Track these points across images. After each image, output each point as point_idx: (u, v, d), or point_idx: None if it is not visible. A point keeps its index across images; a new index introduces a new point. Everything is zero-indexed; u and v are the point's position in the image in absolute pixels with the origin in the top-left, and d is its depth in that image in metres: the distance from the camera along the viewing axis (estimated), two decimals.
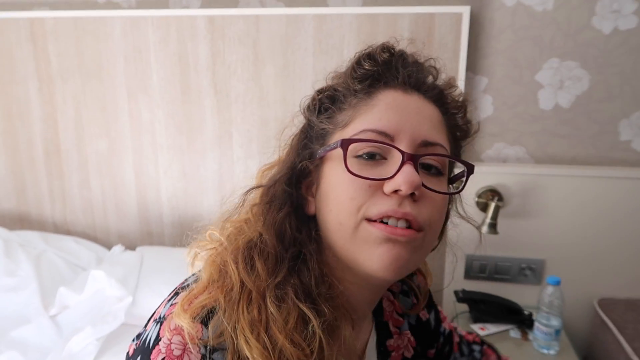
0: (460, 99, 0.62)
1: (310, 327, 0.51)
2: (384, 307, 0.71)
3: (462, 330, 0.90)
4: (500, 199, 1.50)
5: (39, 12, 1.64)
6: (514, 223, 1.53)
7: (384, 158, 0.54)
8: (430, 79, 0.61)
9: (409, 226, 0.52)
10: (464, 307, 1.53)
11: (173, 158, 1.69)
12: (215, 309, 0.51)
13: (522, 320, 1.46)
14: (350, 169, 0.53)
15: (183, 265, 0.62)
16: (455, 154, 0.62)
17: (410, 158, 0.52)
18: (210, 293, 0.53)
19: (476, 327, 1.47)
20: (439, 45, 1.46)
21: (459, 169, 0.62)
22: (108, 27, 1.61)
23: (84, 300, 1.39)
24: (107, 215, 1.79)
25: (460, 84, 1.46)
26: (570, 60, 1.45)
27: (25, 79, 1.70)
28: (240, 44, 1.54)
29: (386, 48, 0.60)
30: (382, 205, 0.52)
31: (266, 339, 0.50)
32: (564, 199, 1.50)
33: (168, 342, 0.49)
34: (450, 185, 0.61)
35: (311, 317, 0.51)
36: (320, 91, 0.62)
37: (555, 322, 1.34)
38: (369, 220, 0.52)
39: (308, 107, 0.63)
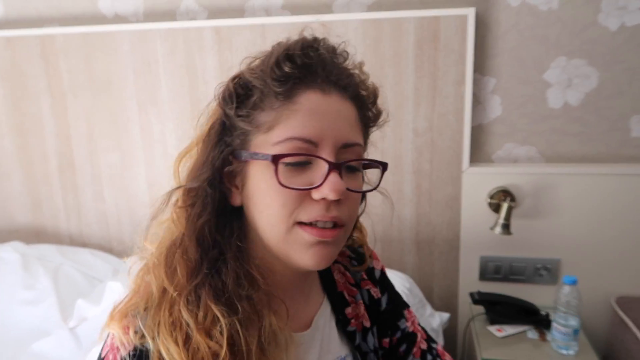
0: (372, 89, 0.65)
1: (218, 326, 0.55)
2: (336, 279, 0.75)
3: (443, 353, 0.83)
4: (513, 199, 1.50)
5: (49, 29, 1.67)
6: (528, 223, 1.52)
7: (309, 162, 0.58)
8: (345, 72, 0.62)
9: (334, 225, 0.58)
10: (480, 309, 1.53)
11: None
12: (138, 313, 0.56)
13: (540, 320, 1.45)
14: (280, 177, 0.56)
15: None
16: (365, 141, 0.66)
17: (335, 167, 0.57)
18: (133, 300, 0.58)
19: (493, 329, 1.46)
20: (445, 48, 1.46)
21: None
22: (117, 42, 1.64)
23: (101, 312, 1.41)
24: (121, 226, 1.81)
25: (468, 85, 1.47)
26: (578, 58, 1.45)
27: (38, 95, 1.73)
28: (247, 53, 1.55)
29: (304, 47, 0.60)
30: (311, 212, 0.57)
31: (183, 339, 0.54)
32: (576, 197, 1.49)
33: (108, 349, 0.57)
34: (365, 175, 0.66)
35: (220, 316, 0.55)
36: (234, 78, 0.62)
37: (573, 322, 1.33)
38: (300, 223, 0.58)
39: (223, 97, 0.62)
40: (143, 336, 0.54)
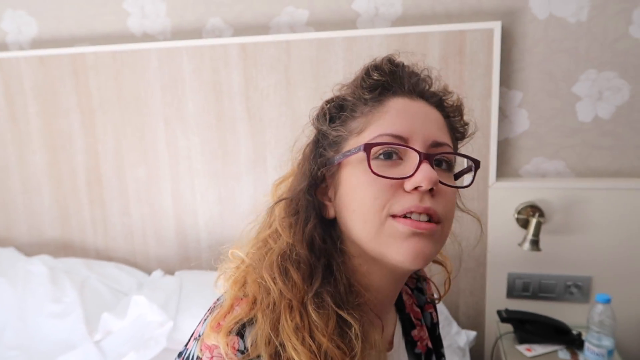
0: (457, 104, 0.67)
1: (352, 331, 0.55)
2: (404, 300, 0.76)
3: None
4: (542, 214, 1.46)
5: (80, 48, 1.72)
6: (557, 239, 1.48)
7: (400, 158, 0.59)
8: (430, 87, 0.66)
9: (430, 219, 0.57)
10: (508, 327, 1.48)
11: (209, 183, 1.72)
12: (252, 321, 0.55)
13: (571, 340, 1.41)
14: (372, 167, 0.57)
15: (221, 288, 0.65)
16: (456, 150, 0.67)
17: (426, 157, 0.57)
18: (241, 308, 0.57)
19: (522, 348, 1.42)
20: (471, 61, 1.45)
21: (459, 166, 0.67)
22: (145, 59, 1.68)
23: (126, 325, 1.42)
24: (146, 241, 1.83)
25: (494, 99, 1.45)
26: (609, 70, 1.42)
27: (68, 112, 1.78)
28: (272, 69, 1.57)
29: (391, 60, 0.65)
30: (404, 202, 0.56)
31: (312, 343, 0.53)
32: (608, 212, 1.45)
33: (210, 357, 0.54)
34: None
35: (352, 321, 0.56)
36: (328, 101, 0.66)
37: (607, 342, 1.28)
38: (394, 216, 0.57)
39: (317, 117, 0.66)
40: (248, 356, 0.53)
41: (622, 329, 1.42)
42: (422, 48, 1.46)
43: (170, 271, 1.77)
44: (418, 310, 0.77)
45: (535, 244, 1.43)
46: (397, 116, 0.60)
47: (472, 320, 1.61)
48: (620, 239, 1.45)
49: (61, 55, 1.74)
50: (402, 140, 0.58)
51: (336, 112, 0.64)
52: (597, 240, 1.47)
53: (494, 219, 1.52)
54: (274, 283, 0.57)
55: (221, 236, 1.75)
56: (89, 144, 1.79)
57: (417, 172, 0.56)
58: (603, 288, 1.47)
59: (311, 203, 0.62)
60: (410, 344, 0.72)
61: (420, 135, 0.59)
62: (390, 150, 0.58)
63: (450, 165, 0.62)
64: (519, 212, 1.49)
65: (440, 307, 1.49)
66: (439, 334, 0.82)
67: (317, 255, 0.59)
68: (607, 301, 1.30)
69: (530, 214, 1.47)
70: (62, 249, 1.90)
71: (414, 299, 0.78)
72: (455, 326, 1.48)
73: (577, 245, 1.48)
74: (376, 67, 0.64)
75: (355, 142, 0.61)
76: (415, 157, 0.57)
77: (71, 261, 1.74)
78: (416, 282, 0.80)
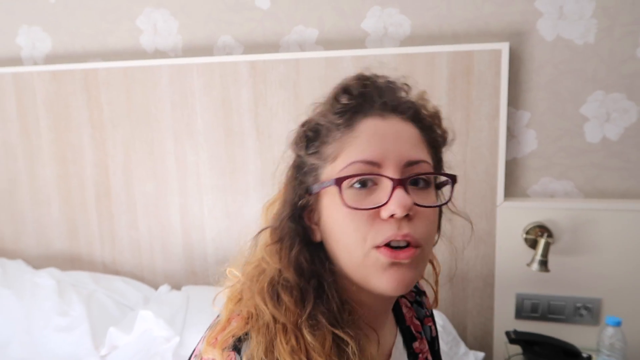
0: (434, 111, 0.66)
1: (349, 349, 0.56)
2: (404, 313, 0.76)
3: None
4: (550, 235, 1.46)
5: (92, 64, 1.75)
6: (566, 260, 1.47)
7: (375, 184, 0.59)
8: (403, 97, 0.65)
9: (409, 244, 0.58)
10: (516, 349, 1.47)
11: (217, 198, 1.73)
12: (247, 336, 0.56)
13: None
14: (347, 201, 0.58)
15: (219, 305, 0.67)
16: (438, 163, 0.67)
17: (399, 183, 0.57)
18: (237, 322, 0.59)
19: None
20: (479, 82, 1.46)
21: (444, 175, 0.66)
22: (156, 75, 1.70)
23: (132, 340, 1.41)
24: (153, 255, 1.83)
25: (502, 119, 1.45)
26: (616, 92, 1.42)
27: (79, 126, 1.80)
28: (281, 87, 1.59)
29: (360, 78, 0.64)
30: (384, 232, 0.57)
31: None
32: (618, 234, 1.44)
33: None
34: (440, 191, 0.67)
35: (348, 340, 0.57)
36: (304, 124, 0.66)
37: None
38: (377, 247, 0.58)
39: (294, 141, 0.66)
40: None
41: (633, 352, 1.40)
42: (430, 68, 1.48)
43: (177, 286, 1.77)
44: (418, 323, 0.78)
45: (543, 264, 1.42)
46: (368, 141, 0.59)
47: (480, 341, 1.60)
48: (629, 261, 1.44)
49: (74, 70, 1.77)
50: (375, 165, 0.58)
51: (312, 137, 0.64)
52: (607, 261, 1.46)
53: (502, 238, 1.51)
54: (267, 307, 0.58)
55: (228, 252, 1.75)
56: (99, 158, 1.81)
57: (391, 200, 0.56)
58: (613, 310, 1.46)
59: (294, 229, 0.63)
60: (412, 356, 0.73)
61: (393, 158, 0.58)
62: (364, 178, 0.58)
63: (428, 182, 0.61)
64: (527, 232, 1.49)
65: (448, 327, 1.48)
66: (439, 349, 0.83)
67: (306, 278, 0.60)
68: (618, 324, 1.28)
69: (539, 234, 1.46)
70: (70, 261, 1.91)
71: (413, 312, 0.79)
72: (463, 347, 1.47)
73: (586, 267, 1.47)
74: (344, 89, 0.63)
75: (330, 170, 0.61)
76: (389, 182, 0.57)
77: (78, 274, 1.74)
78: (415, 295, 0.81)
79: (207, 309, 1.54)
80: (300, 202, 0.63)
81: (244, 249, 0.67)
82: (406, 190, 0.57)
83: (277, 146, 1.64)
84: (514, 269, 1.51)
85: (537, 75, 1.47)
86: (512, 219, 1.50)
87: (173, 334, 1.39)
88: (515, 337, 1.43)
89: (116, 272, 1.86)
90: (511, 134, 1.51)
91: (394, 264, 0.57)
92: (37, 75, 1.80)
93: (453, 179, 0.63)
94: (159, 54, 1.75)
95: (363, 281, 0.60)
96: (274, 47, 1.64)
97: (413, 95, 0.66)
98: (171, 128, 1.72)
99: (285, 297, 0.58)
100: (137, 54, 1.76)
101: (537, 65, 1.46)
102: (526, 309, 1.53)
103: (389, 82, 0.65)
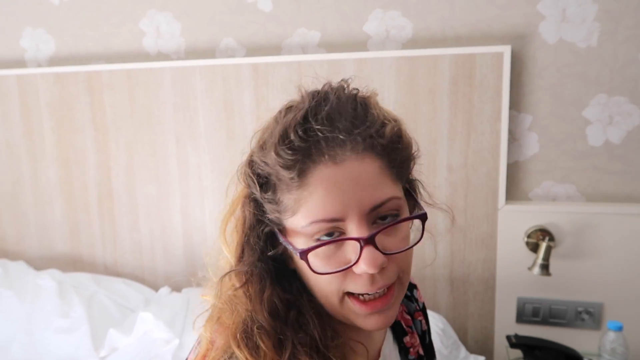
0: (392, 133, 0.58)
1: None
2: None
3: None
4: (552, 238, 1.45)
5: (96, 66, 1.76)
6: (568, 264, 1.47)
7: (343, 233, 0.56)
8: (355, 124, 0.57)
9: (386, 289, 0.57)
10: (517, 353, 1.46)
11: (219, 201, 1.73)
12: (233, 356, 0.56)
13: None
14: (314, 267, 0.56)
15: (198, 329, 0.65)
16: (410, 183, 0.65)
17: (367, 241, 0.54)
18: (221, 338, 0.58)
19: None
20: (481, 85, 1.46)
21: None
22: (159, 78, 1.70)
23: (132, 342, 1.41)
24: (154, 257, 1.83)
25: (504, 122, 1.45)
26: (619, 95, 1.42)
27: (82, 128, 1.81)
28: (283, 89, 1.59)
29: (301, 125, 0.56)
30: (358, 284, 0.56)
31: None
32: (620, 238, 1.43)
33: None
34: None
35: None
36: (250, 164, 0.61)
37: None
38: (350, 294, 0.57)
39: (246, 181, 0.61)
40: None
41: (635, 357, 1.38)
42: (432, 71, 1.48)
43: (177, 288, 1.77)
44: (409, 317, 0.79)
45: (545, 268, 1.42)
46: (325, 197, 0.54)
47: (480, 344, 1.59)
48: (632, 265, 1.43)
49: (77, 72, 1.78)
50: (338, 221, 0.55)
51: (263, 184, 0.59)
52: (609, 265, 1.45)
53: (504, 242, 1.51)
54: (241, 354, 0.55)
55: None
56: (101, 159, 1.81)
57: (361, 260, 0.54)
58: (615, 315, 1.45)
59: (263, 268, 0.59)
60: (403, 350, 0.74)
61: (355, 207, 0.55)
62: (329, 236, 0.56)
63: (396, 214, 0.58)
64: (528, 236, 1.48)
65: (449, 330, 1.47)
66: (431, 342, 0.83)
67: (283, 317, 0.58)
68: (619, 329, 1.28)
69: (540, 238, 1.46)
70: (72, 263, 1.91)
71: (403, 306, 0.79)
72: (463, 351, 1.46)
73: (588, 271, 1.46)
74: (286, 142, 0.56)
75: (292, 222, 0.57)
76: (356, 242, 0.55)
77: (80, 276, 1.75)
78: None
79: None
80: (262, 241, 0.60)
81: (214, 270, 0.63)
82: (375, 246, 0.54)
83: None
84: (515, 272, 1.51)
85: (540, 78, 1.46)
86: (513, 223, 1.49)
87: (173, 336, 1.39)
88: (516, 342, 1.42)
89: (117, 274, 1.86)
90: (513, 137, 1.51)
91: (374, 313, 0.58)
92: (40, 77, 1.81)
93: (423, 218, 0.59)
94: (161, 56, 1.75)
95: (346, 319, 0.60)
96: (276, 50, 1.64)
97: (371, 118, 0.59)
98: (173, 130, 1.73)
99: (262, 344, 0.56)
100: (140, 56, 1.77)
101: (540, 68, 1.46)
102: (527, 313, 1.52)
103: (335, 108, 0.58)
